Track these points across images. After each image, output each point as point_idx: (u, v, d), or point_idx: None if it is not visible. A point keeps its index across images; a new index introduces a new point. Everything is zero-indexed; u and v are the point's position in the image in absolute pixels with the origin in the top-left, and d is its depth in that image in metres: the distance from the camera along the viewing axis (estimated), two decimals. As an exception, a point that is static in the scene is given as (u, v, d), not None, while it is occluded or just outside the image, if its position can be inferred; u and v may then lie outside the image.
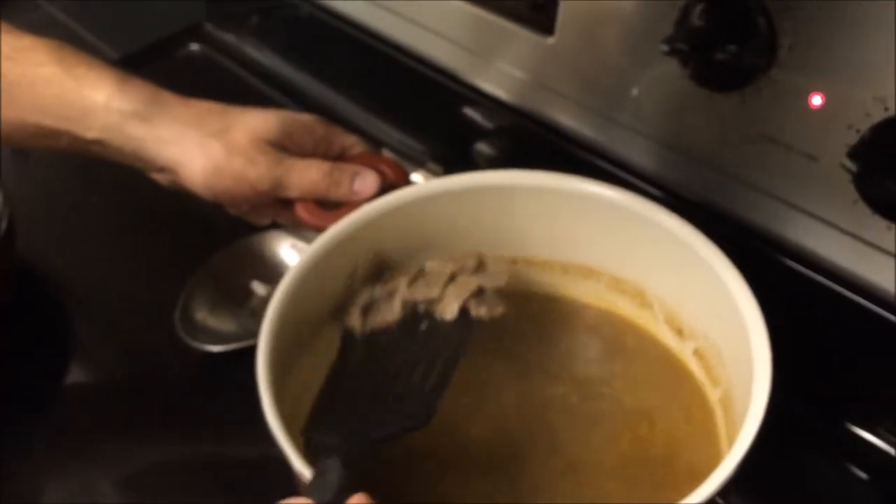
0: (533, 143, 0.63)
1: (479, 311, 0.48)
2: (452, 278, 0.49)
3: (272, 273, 0.62)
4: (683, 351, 0.51)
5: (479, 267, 0.50)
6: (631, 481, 0.47)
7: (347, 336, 0.49)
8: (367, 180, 0.53)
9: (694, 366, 0.51)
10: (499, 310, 0.48)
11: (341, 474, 0.37)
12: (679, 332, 0.51)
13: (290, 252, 0.63)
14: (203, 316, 0.60)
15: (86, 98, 0.53)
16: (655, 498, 0.46)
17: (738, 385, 0.46)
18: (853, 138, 0.44)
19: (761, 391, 0.41)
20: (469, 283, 0.48)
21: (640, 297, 0.53)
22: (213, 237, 0.64)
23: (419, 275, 0.50)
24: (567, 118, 0.59)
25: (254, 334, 0.56)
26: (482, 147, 0.68)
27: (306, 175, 0.53)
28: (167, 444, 0.56)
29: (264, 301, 0.60)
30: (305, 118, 0.56)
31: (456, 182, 0.52)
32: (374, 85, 0.74)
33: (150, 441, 0.56)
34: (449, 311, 0.48)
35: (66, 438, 0.56)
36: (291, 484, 0.42)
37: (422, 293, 0.49)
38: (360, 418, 0.44)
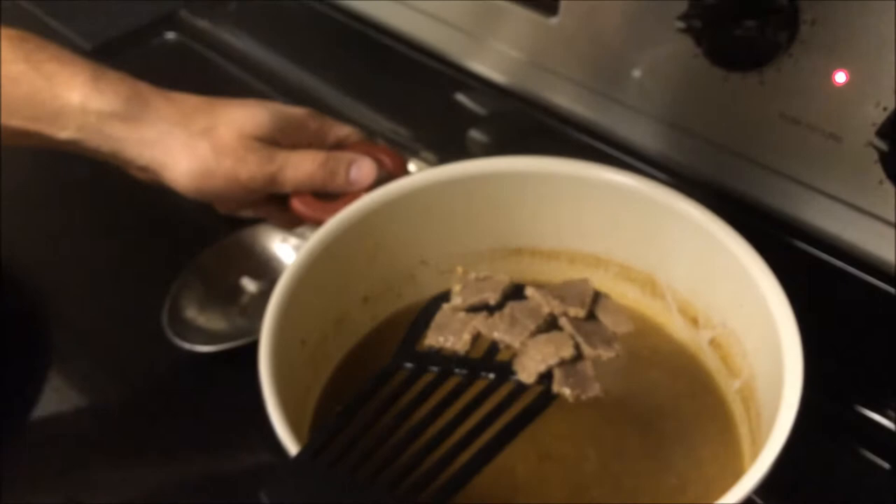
0: (531, 127, 0.61)
1: (564, 388, 0.37)
2: (550, 322, 0.39)
3: (263, 269, 0.60)
4: (698, 341, 0.50)
5: (594, 307, 0.39)
6: (645, 480, 0.45)
7: (403, 348, 0.41)
8: (364, 168, 0.51)
9: (709, 356, 0.49)
10: (591, 392, 0.37)
11: None
12: (693, 322, 0.50)
13: (281, 246, 0.61)
14: (192, 315, 0.57)
15: (59, 98, 0.49)
16: (675, 496, 0.44)
17: (762, 375, 0.44)
18: (880, 116, 0.42)
19: (793, 383, 0.40)
20: (563, 344, 0.38)
21: (652, 287, 0.51)
22: (199, 233, 0.61)
23: (512, 295, 0.40)
24: (569, 100, 0.58)
25: (245, 333, 0.55)
26: (477, 134, 0.66)
27: (301, 168, 0.51)
28: (158, 450, 0.53)
29: (255, 298, 0.59)
30: (297, 112, 0.53)
31: (458, 170, 0.51)
32: (362, 71, 0.72)
33: (140, 447, 0.53)
34: (526, 373, 0.37)
35: (50, 448, 0.53)
36: None
37: (501, 334, 0.39)
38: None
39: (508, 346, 0.39)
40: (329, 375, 0.49)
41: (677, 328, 0.50)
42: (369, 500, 0.34)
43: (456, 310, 0.41)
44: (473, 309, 0.41)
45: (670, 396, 0.48)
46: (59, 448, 0.53)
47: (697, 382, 0.49)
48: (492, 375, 0.38)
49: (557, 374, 0.38)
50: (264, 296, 0.44)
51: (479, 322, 0.40)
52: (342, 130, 0.54)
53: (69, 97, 0.49)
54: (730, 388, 0.48)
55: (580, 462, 0.45)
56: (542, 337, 0.39)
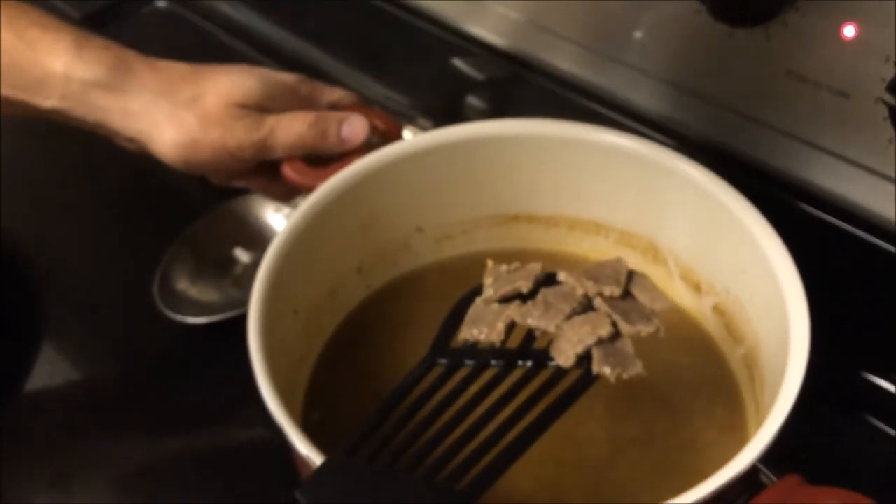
0: (530, 93, 0.60)
1: (604, 367, 0.36)
2: (585, 305, 0.38)
3: (256, 239, 0.59)
4: (701, 308, 0.49)
5: (630, 285, 0.38)
6: (646, 449, 0.44)
7: (437, 345, 0.39)
8: (356, 126, 0.50)
9: (712, 324, 0.48)
10: (633, 370, 0.36)
11: None
12: (696, 288, 0.49)
13: (274, 216, 0.60)
14: (184, 287, 0.57)
15: (42, 66, 0.49)
16: (680, 465, 0.43)
17: (767, 340, 0.43)
18: (890, 71, 0.41)
19: (800, 347, 0.39)
20: (600, 323, 0.36)
21: (653, 253, 0.50)
22: (191, 203, 0.60)
23: (546, 282, 0.39)
24: (569, 63, 0.56)
25: (238, 304, 0.54)
26: (474, 100, 0.64)
27: (291, 129, 0.50)
28: (150, 423, 0.52)
29: (248, 269, 0.58)
30: (287, 78, 0.52)
31: (454, 133, 0.49)
32: (356, 36, 0.70)
33: (132, 420, 0.53)
34: (563, 356, 0.36)
35: (42, 421, 0.53)
36: (287, 461, 0.39)
37: (536, 320, 0.37)
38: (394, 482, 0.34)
39: (545, 333, 0.38)
40: (323, 346, 0.48)
41: (679, 296, 0.49)
42: (408, 490, 0.33)
43: (488, 302, 0.39)
44: (506, 299, 0.39)
45: (673, 366, 0.47)
46: (51, 420, 0.53)
47: (701, 351, 0.48)
48: (529, 363, 0.37)
49: (596, 353, 0.36)
50: (258, 266, 0.43)
51: (512, 311, 0.38)
52: (334, 94, 0.53)
53: (52, 65, 0.48)
54: (734, 355, 0.47)
55: (581, 431, 0.44)
56: (578, 318, 0.37)
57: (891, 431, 0.50)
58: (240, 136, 0.49)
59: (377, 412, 0.36)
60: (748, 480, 0.36)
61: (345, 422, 0.43)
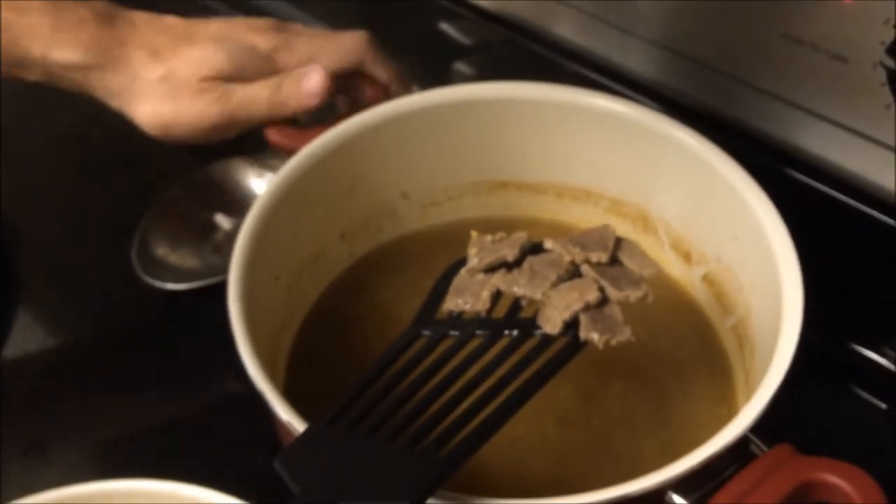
0: (519, 58, 0.59)
1: (592, 333, 0.35)
2: (572, 272, 0.37)
3: (238, 204, 0.57)
4: (690, 278, 0.48)
5: (617, 251, 0.38)
6: (635, 422, 0.43)
7: (422, 316, 0.39)
8: (313, 77, 0.49)
9: (702, 293, 0.48)
10: (622, 336, 0.36)
11: None
12: (686, 257, 0.48)
13: (257, 182, 0.58)
14: (163, 252, 0.55)
15: (20, 48, 0.50)
16: (668, 435, 0.42)
17: (759, 310, 0.43)
18: (890, 34, 0.40)
19: (792, 317, 0.38)
20: (588, 289, 0.36)
21: (643, 221, 0.50)
22: (170, 167, 0.59)
23: (532, 251, 0.38)
24: (560, 26, 0.55)
25: (219, 271, 0.52)
26: (462, 66, 0.63)
27: (256, 101, 0.49)
28: (128, 391, 0.52)
29: (229, 235, 0.57)
30: (262, 43, 0.51)
31: (442, 96, 0.49)
32: (341, -1, 0.68)
33: (110, 388, 0.52)
34: (550, 323, 0.36)
35: (18, 388, 0.51)
36: (268, 429, 0.39)
37: (522, 288, 0.37)
38: (366, 452, 0.33)
39: (531, 301, 0.37)
40: (306, 313, 0.47)
41: (669, 265, 0.49)
42: (390, 457, 0.33)
43: (473, 272, 0.39)
44: (492, 269, 0.39)
45: (661, 335, 0.47)
46: (26, 387, 0.52)
47: (689, 321, 0.48)
48: (515, 332, 0.36)
49: (584, 319, 0.36)
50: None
51: (497, 280, 0.38)
52: (312, 42, 0.52)
53: (30, 47, 0.50)
54: (723, 325, 0.46)
55: (568, 405, 0.43)
56: (565, 285, 0.37)
57: (881, 405, 0.49)
58: (211, 112, 0.49)
59: (359, 382, 0.35)
60: (738, 450, 0.35)
61: (328, 389, 0.42)
